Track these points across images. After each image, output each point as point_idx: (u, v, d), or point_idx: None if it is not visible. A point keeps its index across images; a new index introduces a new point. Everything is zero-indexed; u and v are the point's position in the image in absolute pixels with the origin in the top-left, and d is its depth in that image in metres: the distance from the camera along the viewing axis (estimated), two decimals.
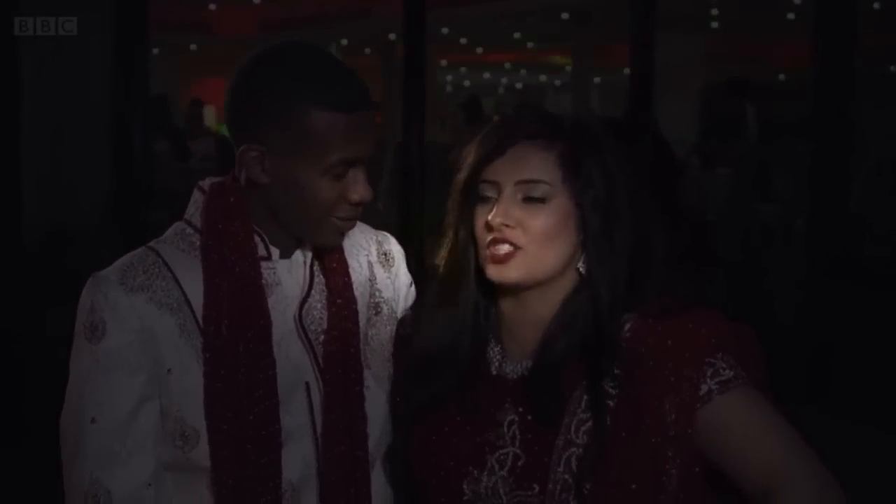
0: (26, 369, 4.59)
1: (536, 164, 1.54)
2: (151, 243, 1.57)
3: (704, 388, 1.47)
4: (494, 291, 1.59)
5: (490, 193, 1.56)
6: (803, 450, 1.48)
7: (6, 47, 4.61)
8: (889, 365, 5.20)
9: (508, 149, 1.55)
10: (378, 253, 1.70)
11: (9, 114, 4.67)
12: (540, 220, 1.53)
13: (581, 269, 1.56)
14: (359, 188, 1.51)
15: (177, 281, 1.53)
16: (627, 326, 1.53)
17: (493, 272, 1.55)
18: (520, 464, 1.52)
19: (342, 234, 1.57)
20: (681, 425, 1.46)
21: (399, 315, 1.69)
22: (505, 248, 1.53)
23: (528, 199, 1.54)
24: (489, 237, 1.55)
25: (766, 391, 1.53)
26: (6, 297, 4.65)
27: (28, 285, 4.62)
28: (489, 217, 1.54)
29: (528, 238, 1.53)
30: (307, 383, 1.56)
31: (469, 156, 1.58)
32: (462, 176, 1.59)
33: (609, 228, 1.54)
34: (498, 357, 1.60)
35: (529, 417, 1.53)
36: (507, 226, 1.53)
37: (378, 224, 1.76)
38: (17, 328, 4.62)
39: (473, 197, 1.58)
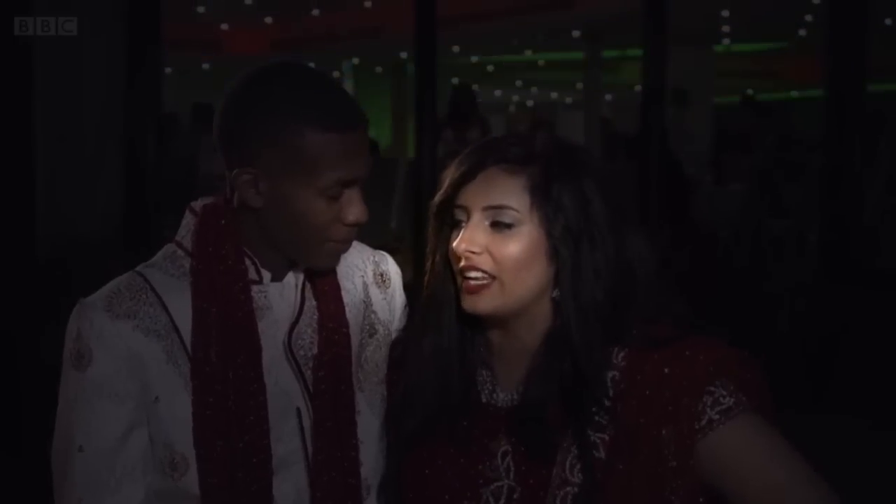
0: (28, 378, 4.58)
1: (504, 190, 1.49)
2: (139, 267, 1.54)
3: (705, 418, 1.43)
4: (479, 319, 1.54)
5: (461, 218, 1.52)
6: (808, 477, 1.45)
7: (18, 56, 4.60)
8: None
9: (479, 173, 1.51)
10: (374, 273, 1.66)
11: (20, 124, 4.66)
12: (508, 248, 1.48)
13: (557, 299, 1.51)
14: (354, 209, 1.48)
15: (164, 306, 1.49)
16: (622, 356, 1.48)
17: (466, 303, 1.51)
18: (515, 496, 1.48)
19: (337, 256, 1.54)
20: (681, 456, 1.42)
21: (394, 336, 1.65)
22: (478, 279, 1.49)
23: (496, 226, 1.49)
24: (459, 265, 1.51)
25: (769, 416, 1.48)
26: (19, 306, 4.65)
27: (38, 296, 4.61)
28: (455, 244, 1.51)
29: (498, 266, 1.48)
30: (298, 409, 1.52)
31: (445, 179, 1.54)
32: (435, 200, 1.55)
33: (580, 258, 1.48)
34: (488, 385, 1.56)
35: (523, 449, 1.49)
36: (473, 252, 1.49)
37: (389, 242, 1.75)
38: (31, 337, 4.61)
39: (449, 221, 1.54)
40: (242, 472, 1.46)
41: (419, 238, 6.29)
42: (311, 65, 1.56)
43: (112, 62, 4.88)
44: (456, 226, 1.53)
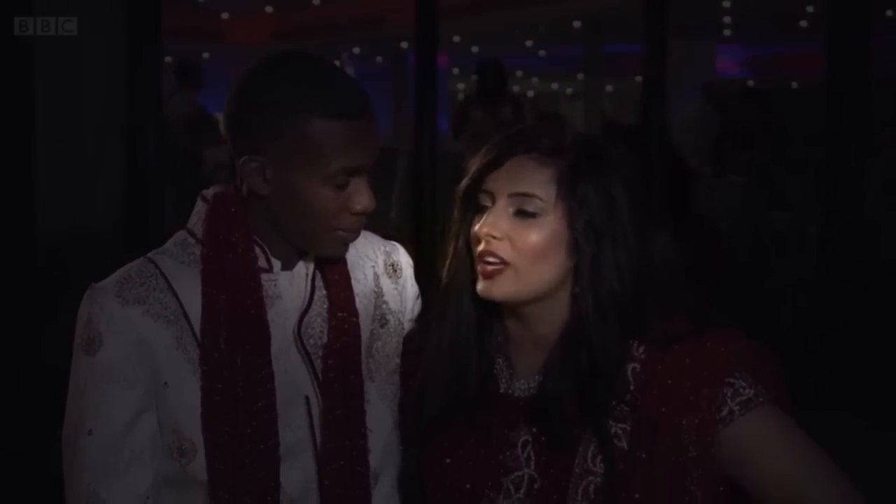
0: (25, 373, 4.58)
1: (531, 179, 1.51)
2: (150, 254, 1.56)
3: (725, 409, 1.45)
4: (496, 306, 1.56)
5: (486, 203, 1.53)
6: (828, 468, 1.47)
7: (12, 45, 4.60)
8: None
9: (507, 160, 1.53)
10: (385, 264, 1.67)
11: (21, 116, 4.66)
12: (529, 237, 1.50)
13: (576, 293, 1.52)
14: (361, 198, 1.49)
15: (174, 293, 1.51)
16: (642, 349, 1.50)
17: (481, 287, 1.52)
18: (536, 486, 1.49)
19: (346, 244, 1.54)
20: (702, 446, 1.44)
21: (406, 327, 1.67)
22: (494, 264, 1.50)
23: (520, 214, 1.50)
24: (478, 248, 1.52)
25: (786, 408, 1.51)
26: (19, 306, 4.65)
27: (39, 296, 4.61)
28: (476, 227, 1.52)
29: (517, 254, 1.50)
30: (307, 397, 1.53)
31: (472, 165, 1.56)
32: (462, 184, 1.57)
33: (602, 254, 1.49)
34: (506, 374, 1.57)
35: (544, 439, 1.50)
36: (494, 237, 1.50)
37: (389, 232, 1.75)
38: (19, 330, 4.61)
39: (472, 206, 1.55)
40: (250, 458, 1.47)
41: (419, 229, 6.29)
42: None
43: (112, 61, 4.88)
44: (479, 211, 1.54)
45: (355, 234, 1.54)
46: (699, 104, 8.74)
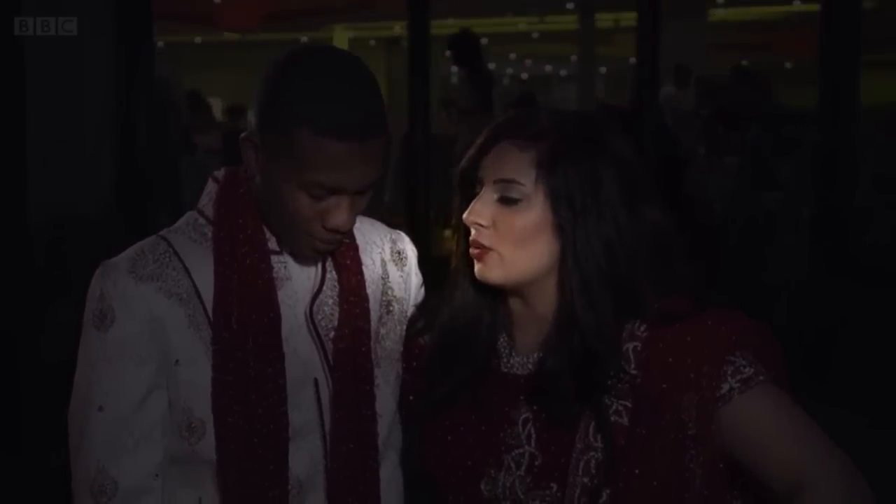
0: (25, 373, 4.58)
1: (513, 164, 1.51)
2: (163, 232, 1.56)
3: (725, 386, 1.46)
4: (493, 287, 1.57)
5: (478, 190, 1.55)
6: (828, 447, 1.47)
7: (10, 44, 4.60)
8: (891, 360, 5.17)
9: (493, 147, 1.54)
10: (392, 251, 1.68)
11: (14, 112, 4.65)
12: (513, 222, 1.50)
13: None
14: (339, 215, 1.47)
15: (187, 271, 1.51)
16: (643, 328, 1.50)
17: (476, 270, 1.54)
18: (537, 463, 1.50)
19: (316, 252, 1.53)
20: (702, 424, 1.45)
21: (409, 315, 1.67)
22: (481, 248, 1.52)
23: (504, 200, 1.51)
24: (470, 236, 1.54)
25: (786, 387, 1.51)
26: (19, 306, 4.64)
27: (38, 296, 4.60)
28: (464, 215, 1.54)
29: (500, 240, 1.51)
30: (316, 380, 1.54)
31: (467, 151, 1.57)
32: (456, 172, 1.58)
33: (585, 234, 1.49)
34: (506, 351, 1.58)
35: (544, 416, 1.51)
36: (480, 225, 1.52)
37: (383, 216, 1.75)
38: (19, 329, 4.61)
39: (469, 193, 1.56)
40: (259, 438, 1.48)
41: (413, 211, 6.28)
42: (344, 47, 1.54)
43: (102, 38, 4.88)
44: (474, 196, 1.55)
45: (328, 246, 1.52)
46: (672, 86, 8.73)
